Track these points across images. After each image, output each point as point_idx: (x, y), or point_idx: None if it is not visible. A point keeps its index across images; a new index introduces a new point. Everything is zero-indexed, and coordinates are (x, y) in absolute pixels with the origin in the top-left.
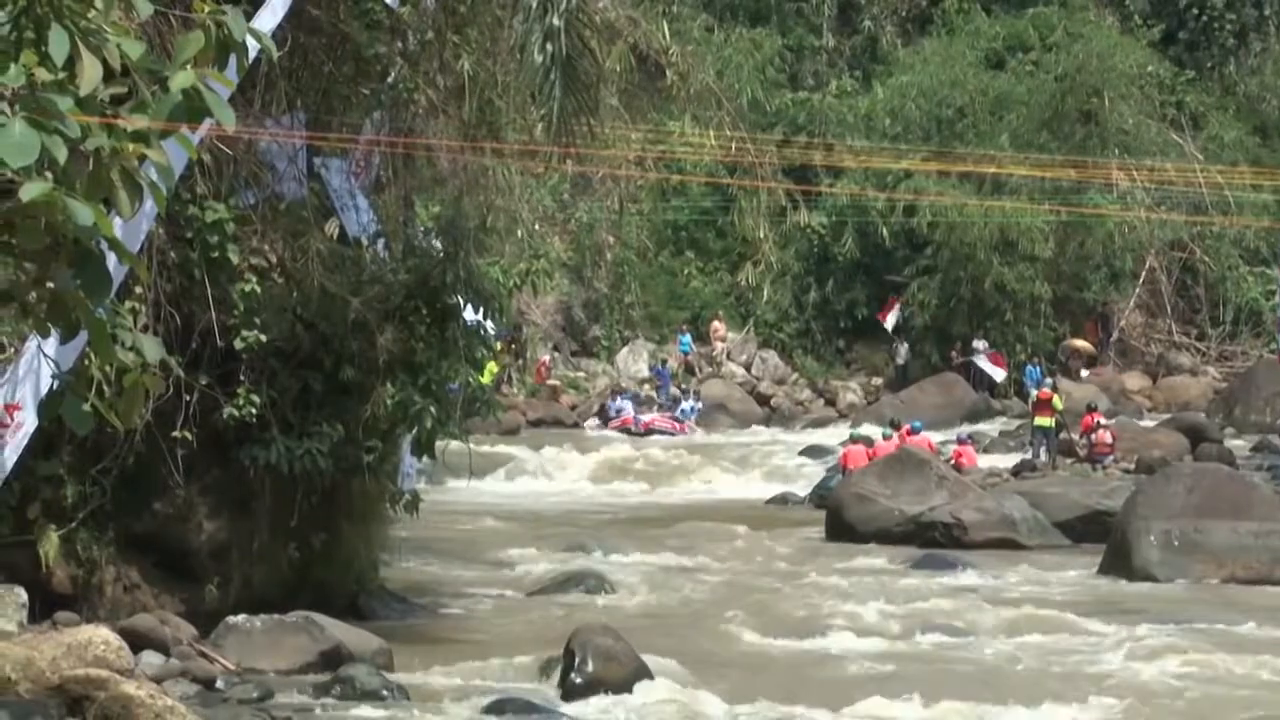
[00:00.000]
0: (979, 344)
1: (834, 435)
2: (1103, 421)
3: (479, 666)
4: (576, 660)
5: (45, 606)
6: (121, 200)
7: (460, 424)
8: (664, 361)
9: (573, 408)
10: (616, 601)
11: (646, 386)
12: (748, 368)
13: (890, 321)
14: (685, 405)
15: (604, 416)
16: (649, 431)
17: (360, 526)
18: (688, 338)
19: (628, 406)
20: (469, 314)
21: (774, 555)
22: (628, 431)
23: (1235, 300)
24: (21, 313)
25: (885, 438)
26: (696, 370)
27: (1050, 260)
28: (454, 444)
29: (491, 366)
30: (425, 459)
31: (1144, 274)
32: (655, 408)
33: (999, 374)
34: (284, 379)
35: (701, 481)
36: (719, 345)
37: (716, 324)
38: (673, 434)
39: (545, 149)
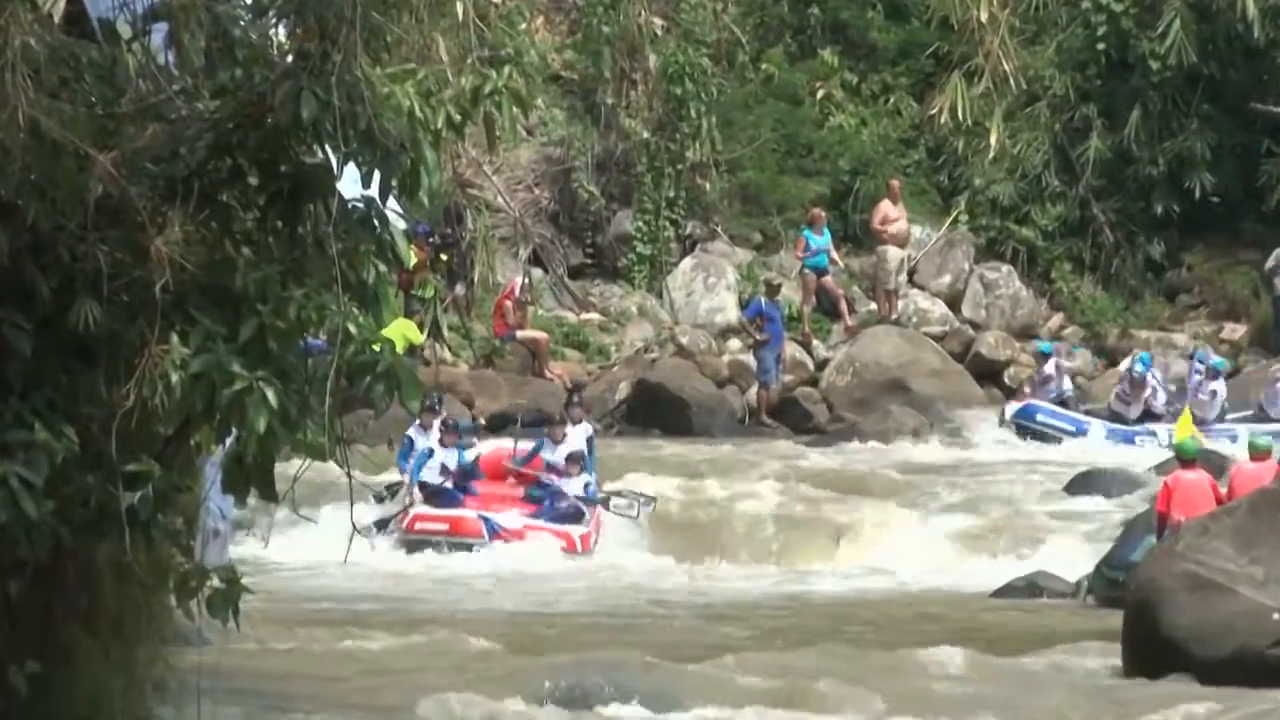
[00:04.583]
0: None
1: (1139, 450)
2: None
3: None
4: None
5: None
6: None
7: (333, 423)
8: (773, 289)
9: (573, 388)
10: None
11: (733, 343)
12: (953, 303)
13: None
14: (583, 481)
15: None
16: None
17: (115, 646)
18: (825, 238)
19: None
20: (351, 187)
21: (1011, 713)
22: (450, 545)
23: None
24: None
25: (1253, 453)
26: (845, 308)
27: None
28: (319, 467)
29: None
30: (253, 500)
31: None
32: (755, 389)
33: None
34: None
35: (849, 549)
36: (892, 254)
37: (885, 208)
38: (560, 543)
39: None
